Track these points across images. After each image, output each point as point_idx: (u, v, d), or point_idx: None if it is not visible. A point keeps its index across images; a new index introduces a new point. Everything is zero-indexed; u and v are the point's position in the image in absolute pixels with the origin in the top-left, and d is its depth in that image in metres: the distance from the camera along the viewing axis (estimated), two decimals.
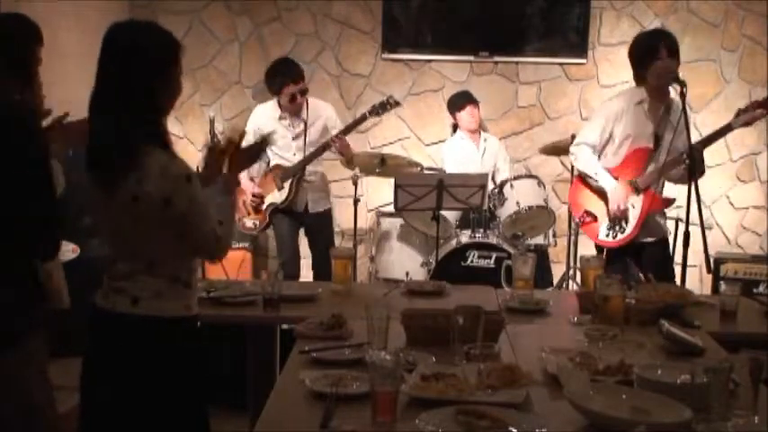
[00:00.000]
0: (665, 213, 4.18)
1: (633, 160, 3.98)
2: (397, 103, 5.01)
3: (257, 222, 5.10)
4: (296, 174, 4.97)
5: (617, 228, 4.04)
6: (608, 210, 4.06)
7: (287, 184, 4.99)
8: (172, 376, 2.27)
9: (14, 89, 2.45)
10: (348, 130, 4.96)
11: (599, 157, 4.07)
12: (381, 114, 5.08)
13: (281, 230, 5.11)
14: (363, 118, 5.00)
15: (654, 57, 3.88)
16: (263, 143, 2.66)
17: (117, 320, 2.26)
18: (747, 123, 3.83)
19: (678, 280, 3.81)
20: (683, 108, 3.70)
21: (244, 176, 4.98)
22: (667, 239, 4.18)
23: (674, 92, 3.97)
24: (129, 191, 2.19)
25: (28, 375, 2.28)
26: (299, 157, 4.99)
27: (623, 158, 4.01)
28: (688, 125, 3.70)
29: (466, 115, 5.59)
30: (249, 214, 5.09)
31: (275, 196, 5.00)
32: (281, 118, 4.97)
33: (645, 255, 4.08)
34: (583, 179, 4.18)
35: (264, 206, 5.05)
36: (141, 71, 2.22)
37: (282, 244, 5.14)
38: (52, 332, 2.38)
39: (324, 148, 4.90)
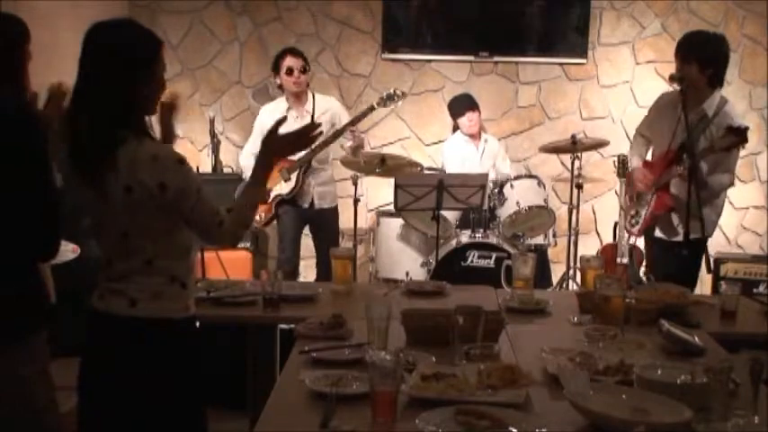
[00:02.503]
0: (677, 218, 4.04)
1: (660, 160, 4.03)
2: (404, 94, 5.07)
3: (262, 215, 5.07)
4: (302, 165, 4.98)
5: (634, 217, 4.17)
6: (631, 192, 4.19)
7: (294, 176, 5.00)
8: (171, 377, 2.26)
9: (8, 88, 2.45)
10: (356, 120, 4.98)
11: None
12: (389, 105, 5.11)
13: (285, 224, 5.10)
14: (372, 108, 5.01)
15: (675, 60, 3.93)
16: (311, 128, 2.49)
17: (115, 322, 2.26)
18: (726, 149, 3.79)
19: None
20: (683, 109, 3.69)
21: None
22: (695, 242, 3.74)
23: (728, 108, 3.94)
24: (120, 183, 2.18)
25: (30, 375, 2.28)
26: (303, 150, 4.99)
27: (657, 155, 4.09)
28: (688, 126, 3.68)
29: (465, 121, 5.62)
30: None
31: (281, 187, 5.01)
32: (288, 109, 4.99)
33: (671, 258, 4.08)
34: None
35: (270, 198, 5.02)
36: (120, 71, 2.21)
37: (285, 237, 5.12)
38: (51, 332, 2.38)
39: (335, 136, 4.90)
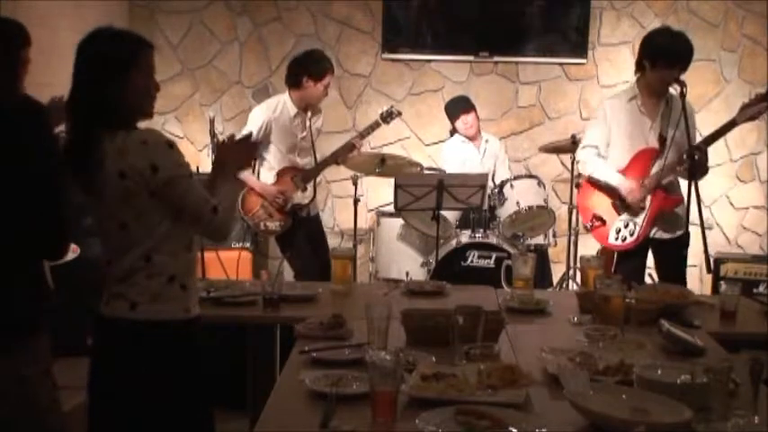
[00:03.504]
0: (682, 209, 4.00)
1: (639, 161, 3.95)
2: (399, 113, 5.14)
3: (281, 224, 4.95)
4: (316, 175, 4.96)
5: (626, 230, 4.01)
6: (617, 206, 4.05)
7: (310, 186, 4.94)
8: (172, 380, 2.27)
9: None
10: (364, 135, 5.06)
11: (606, 160, 4.06)
12: (389, 122, 5.13)
13: (296, 238, 4.99)
14: (377, 124, 5.06)
15: (668, 65, 3.83)
16: (255, 144, 2.59)
17: (116, 326, 2.27)
18: (752, 118, 3.78)
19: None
20: (683, 109, 3.69)
21: (264, 178, 4.93)
22: (682, 238, 3.90)
23: (672, 89, 3.94)
24: (113, 170, 2.21)
25: (33, 375, 2.28)
26: (302, 157, 4.95)
27: (630, 160, 3.97)
28: (688, 127, 3.68)
29: (461, 124, 5.61)
30: (272, 216, 4.97)
31: (299, 197, 4.93)
32: (296, 115, 4.89)
33: (660, 253, 4.05)
34: (591, 183, 4.14)
35: (288, 207, 4.93)
36: (96, 76, 2.25)
37: (298, 251, 4.99)
38: (52, 332, 2.38)
39: (347, 150, 4.92)
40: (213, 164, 2.52)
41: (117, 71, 2.27)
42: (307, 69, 4.82)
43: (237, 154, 2.54)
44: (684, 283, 3.88)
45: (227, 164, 2.47)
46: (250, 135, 2.58)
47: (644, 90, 3.95)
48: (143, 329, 2.26)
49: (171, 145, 2.27)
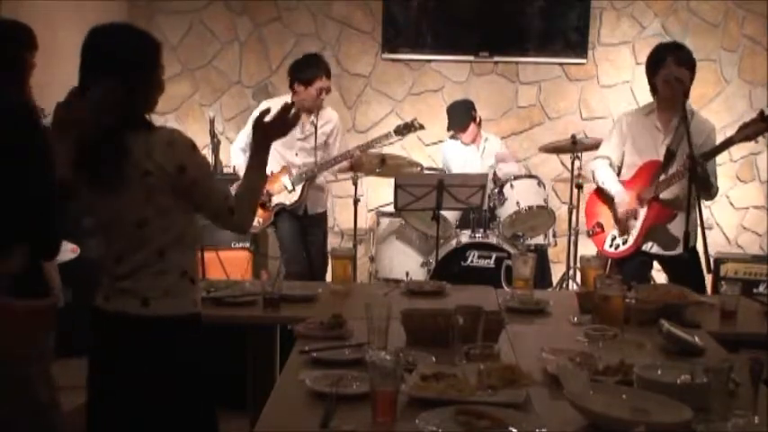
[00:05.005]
0: (678, 228, 3.91)
1: (643, 173, 3.97)
2: (421, 127, 5.04)
3: (261, 220, 4.99)
4: (309, 178, 4.95)
5: (620, 238, 4.04)
6: (615, 216, 4.05)
7: (299, 188, 4.94)
8: (185, 374, 2.28)
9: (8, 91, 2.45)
10: (370, 146, 5.01)
11: (619, 171, 4.10)
12: (405, 135, 5.08)
13: (283, 231, 5.06)
14: (387, 136, 5.00)
15: (661, 64, 3.89)
16: (296, 115, 2.51)
17: (127, 322, 2.26)
18: (748, 138, 3.79)
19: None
20: (684, 110, 3.69)
21: None
22: (686, 257, 3.79)
23: (696, 112, 3.96)
24: (138, 170, 2.21)
25: (33, 374, 2.28)
26: (301, 157, 4.95)
27: (635, 171, 4.00)
28: (688, 129, 3.68)
29: (462, 136, 5.59)
30: None
31: (284, 197, 4.95)
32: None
33: (672, 271, 4.03)
34: (598, 191, 4.19)
35: (272, 205, 4.97)
36: (121, 76, 2.24)
37: (285, 243, 5.10)
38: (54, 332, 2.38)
39: (344, 158, 4.91)
40: (254, 141, 2.49)
41: (150, 68, 2.30)
42: (296, 75, 4.86)
43: (277, 129, 2.51)
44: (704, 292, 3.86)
45: (270, 138, 2.47)
46: (291, 105, 2.53)
47: (659, 106, 4.00)
48: (156, 325, 2.26)
49: (194, 146, 2.30)
